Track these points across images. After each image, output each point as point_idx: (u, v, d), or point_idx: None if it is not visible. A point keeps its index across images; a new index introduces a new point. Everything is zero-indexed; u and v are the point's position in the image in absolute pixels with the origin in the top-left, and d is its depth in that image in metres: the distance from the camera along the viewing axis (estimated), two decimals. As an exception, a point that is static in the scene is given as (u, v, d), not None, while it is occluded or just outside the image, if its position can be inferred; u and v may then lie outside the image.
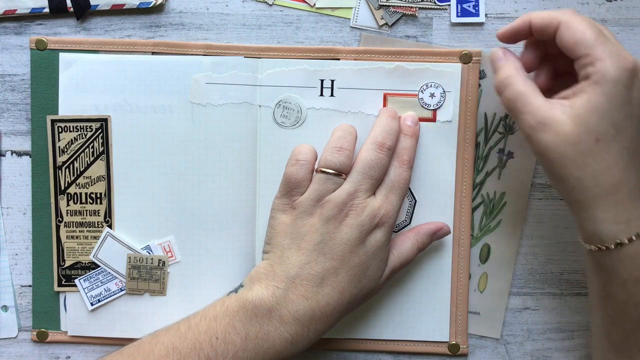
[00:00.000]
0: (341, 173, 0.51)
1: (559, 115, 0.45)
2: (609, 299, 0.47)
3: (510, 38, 0.51)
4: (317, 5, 0.57)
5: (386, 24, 0.57)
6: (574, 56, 0.46)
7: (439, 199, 0.57)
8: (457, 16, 0.56)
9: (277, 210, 0.52)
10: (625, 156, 0.44)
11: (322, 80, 0.56)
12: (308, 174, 0.52)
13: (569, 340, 0.58)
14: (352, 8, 0.57)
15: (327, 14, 0.57)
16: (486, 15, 0.57)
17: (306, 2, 0.57)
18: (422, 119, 0.56)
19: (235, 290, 0.51)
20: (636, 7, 0.57)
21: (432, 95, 0.56)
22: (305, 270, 0.49)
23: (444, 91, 0.55)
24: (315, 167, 0.52)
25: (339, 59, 0.56)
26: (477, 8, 0.56)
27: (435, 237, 0.55)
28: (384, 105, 0.56)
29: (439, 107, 0.56)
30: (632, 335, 0.47)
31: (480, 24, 0.57)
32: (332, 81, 0.56)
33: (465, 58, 0.56)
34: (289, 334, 0.48)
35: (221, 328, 0.48)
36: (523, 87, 0.47)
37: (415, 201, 0.56)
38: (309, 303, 0.49)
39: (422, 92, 0.56)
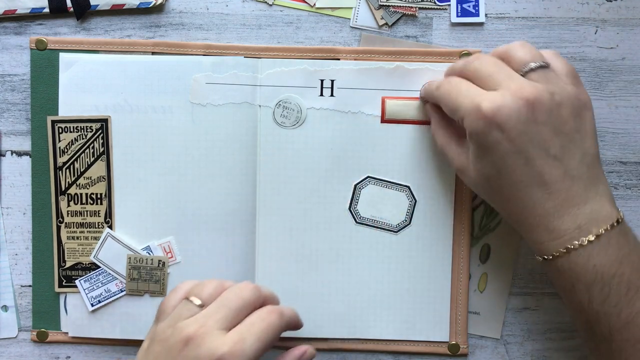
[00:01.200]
0: (203, 306, 0.47)
1: (465, 161, 0.50)
2: (564, 303, 0.50)
3: (443, 130, 0.54)
4: (317, 5, 0.57)
5: (386, 24, 0.57)
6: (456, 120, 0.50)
7: (439, 199, 0.57)
8: (457, 16, 0.56)
9: (146, 337, 0.49)
10: (520, 187, 0.47)
11: (322, 80, 0.56)
12: (178, 303, 0.49)
13: (569, 340, 0.58)
14: (352, 8, 0.57)
15: (327, 14, 0.57)
16: (486, 15, 0.57)
17: (306, 2, 0.57)
18: (422, 122, 0.56)
19: None
20: (636, 7, 0.57)
21: None
22: None
23: None
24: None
25: (339, 59, 0.56)
26: (477, 8, 0.56)
27: None
28: (382, 108, 0.56)
29: None
30: (590, 340, 0.49)
31: (480, 24, 0.57)
32: (332, 81, 0.56)
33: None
34: None
35: None
36: (442, 140, 0.53)
37: (416, 201, 0.56)
38: None
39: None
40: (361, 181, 0.56)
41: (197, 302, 0.47)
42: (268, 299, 0.50)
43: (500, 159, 0.47)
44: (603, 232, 0.46)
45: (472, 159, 0.49)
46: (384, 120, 0.56)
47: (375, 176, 0.56)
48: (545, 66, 0.48)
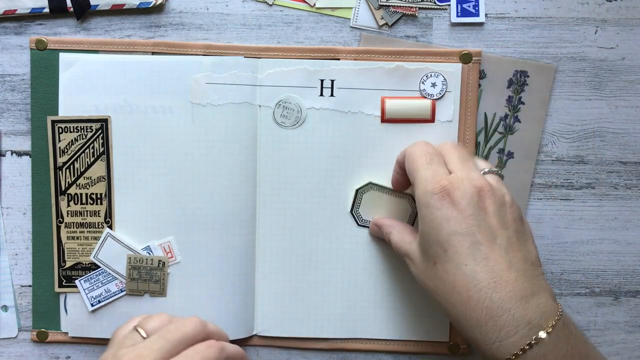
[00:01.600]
0: (148, 336, 0.48)
1: (415, 248, 0.50)
2: None
3: (401, 184, 0.54)
4: (317, 5, 0.57)
5: (386, 24, 0.56)
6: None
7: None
8: (457, 16, 0.56)
9: None
10: (467, 272, 0.45)
11: (322, 80, 0.56)
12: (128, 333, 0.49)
13: (568, 340, 0.58)
14: (352, 8, 0.57)
15: (327, 14, 0.57)
16: (486, 15, 0.57)
17: (306, 2, 0.57)
18: (421, 120, 0.56)
19: None
20: (636, 7, 0.57)
21: (433, 84, 0.56)
22: None
23: (445, 79, 0.55)
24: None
25: (339, 59, 0.56)
26: (477, 8, 0.56)
27: None
28: (382, 108, 0.56)
29: (441, 96, 0.56)
30: None
31: (481, 24, 0.57)
32: (332, 81, 0.56)
33: (465, 58, 0.56)
34: None
35: None
36: (396, 238, 0.53)
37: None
38: None
39: (422, 83, 0.56)
40: (363, 187, 0.56)
41: (142, 333, 0.48)
42: (213, 334, 0.50)
43: (447, 237, 0.46)
44: (552, 326, 0.44)
45: (420, 241, 0.48)
46: (384, 120, 0.56)
47: (377, 182, 0.56)
48: (499, 173, 0.50)
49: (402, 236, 0.52)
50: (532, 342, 0.43)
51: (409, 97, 0.56)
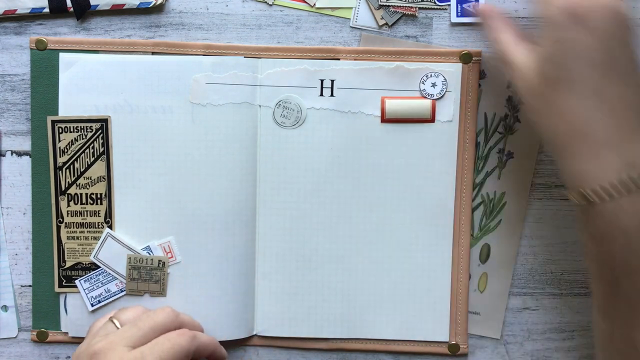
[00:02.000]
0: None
1: (526, 64, 0.46)
2: (588, 253, 0.46)
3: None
4: (317, 5, 0.57)
5: (386, 24, 0.56)
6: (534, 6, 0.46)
7: (439, 199, 0.57)
8: (457, 16, 0.56)
9: None
10: (587, 104, 0.43)
11: (322, 80, 0.56)
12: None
13: (569, 340, 0.58)
14: (352, 8, 0.57)
15: (327, 14, 0.57)
16: (486, 15, 0.57)
17: (306, 2, 0.57)
18: (421, 120, 0.56)
19: None
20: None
21: (433, 84, 0.56)
22: None
23: (445, 79, 0.56)
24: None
25: (339, 59, 0.56)
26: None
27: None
28: (382, 108, 0.56)
29: (442, 96, 0.56)
30: (609, 295, 0.45)
31: (480, 24, 0.57)
32: (332, 81, 0.56)
33: (465, 58, 0.56)
34: None
35: None
36: (505, 38, 0.48)
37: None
38: None
39: (422, 83, 0.56)
40: None
41: (117, 323, 0.50)
42: (186, 324, 0.52)
43: (577, 64, 0.43)
44: None
45: (540, 60, 0.45)
46: (384, 120, 0.56)
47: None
48: None
49: (511, 46, 0.48)
50: (627, 179, 0.42)
51: (409, 97, 0.56)
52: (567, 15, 0.43)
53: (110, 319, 0.51)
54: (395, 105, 0.56)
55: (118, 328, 0.50)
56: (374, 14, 0.57)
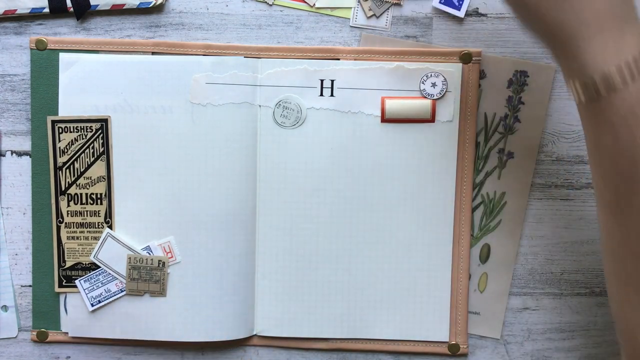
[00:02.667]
0: None
1: None
2: (600, 150, 0.43)
3: None
4: (317, 5, 0.57)
5: (374, 15, 0.56)
6: None
7: (439, 199, 0.57)
8: (440, 2, 0.56)
9: None
10: None
11: (322, 80, 0.56)
12: None
13: (569, 340, 0.58)
14: (351, 8, 0.57)
15: (327, 14, 0.57)
16: (487, 15, 0.57)
17: (306, 2, 0.57)
18: (421, 120, 0.56)
19: None
20: (636, 7, 0.57)
21: (433, 84, 0.56)
22: None
23: (445, 79, 0.56)
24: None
25: (339, 59, 0.56)
26: (461, 2, 0.56)
27: None
28: (382, 108, 0.55)
29: (441, 96, 0.56)
30: (623, 191, 0.43)
31: (482, 22, 0.57)
32: (332, 81, 0.56)
33: (465, 58, 0.56)
34: None
35: None
36: None
37: None
38: None
39: (422, 83, 0.56)
40: None
41: None
42: None
43: None
44: None
45: None
46: (384, 120, 0.56)
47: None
48: None
49: None
50: (622, 64, 0.40)
51: (409, 97, 0.56)
52: None
53: None
54: (395, 105, 0.56)
55: None
56: (363, 7, 0.56)
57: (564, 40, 0.42)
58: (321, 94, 0.56)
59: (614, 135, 0.42)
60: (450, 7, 0.56)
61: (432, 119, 0.56)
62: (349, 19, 0.57)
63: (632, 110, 0.41)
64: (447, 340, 0.58)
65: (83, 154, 0.56)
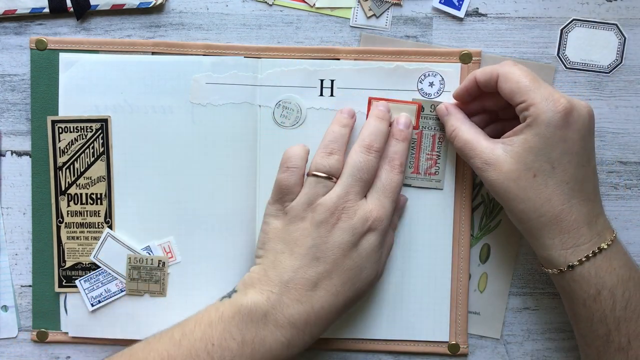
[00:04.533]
0: (332, 176, 0.51)
1: (501, 154, 0.49)
2: (577, 318, 0.51)
3: (464, 96, 0.54)
4: (317, 5, 0.57)
5: (374, 15, 0.56)
6: (513, 103, 0.50)
7: (439, 199, 0.57)
8: (440, 2, 0.56)
9: (269, 215, 0.52)
10: (565, 189, 0.48)
11: (322, 80, 0.56)
12: (299, 179, 0.52)
13: (569, 340, 0.58)
14: (351, 8, 0.57)
15: (327, 14, 0.57)
16: (487, 15, 0.57)
17: (306, 2, 0.57)
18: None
19: (229, 296, 0.51)
20: (636, 7, 0.57)
21: (431, 84, 0.56)
22: (299, 275, 0.49)
23: (443, 79, 0.55)
24: (307, 171, 0.52)
25: (338, 59, 0.56)
26: (460, 2, 0.56)
27: (400, 212, 0.56)
28: (368, 108, 0.55)
29: (439, 95, 0.56)
30: (603, 353, 0.49)
31: (482, 22, 0.57)
32: (332, 81, 0.56)
33: (465, 58, 0.56)
34: (285, 338, 0.48)
35: (217, 334, 0.48)
36: (467, 135, 0.51)
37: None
38: (303, 307, 0.49)
39: (420, 82, 0.56)
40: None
41: (324, 175, 0.51)
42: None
43: (563, 154, 0.48)
44: (613, 238, 0.49)
45: (521, 152, 0.48)
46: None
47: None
48: None
49: (476, 138, 0.51)
50: (604, 246, 0.49)
51: (398, 101, 0.56)
52: (563, 117, 0.47)
53: (315, 174, 0.51)
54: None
55: (330, 180, 0.51)
56: (363, 7, 0.56)
57: (529, 232, 0.50)
58: (321, 94, 0.56)
59: (583, 304, 0.49)
60: (450, 7, 0.56)
61: (415, 126, 0.56)
62: (349, 19, 0.57)
63: (591, 282, 0.48)
64: (447, 340, 0.58)
65: (83, 154, 0.56)
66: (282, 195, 0.52)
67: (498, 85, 0.50)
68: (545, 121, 0.47)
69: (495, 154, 0.49)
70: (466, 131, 0.52)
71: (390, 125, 0.54)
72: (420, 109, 0.56)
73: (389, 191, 0.52)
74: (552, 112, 0.47)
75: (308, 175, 0.51)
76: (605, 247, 0.48)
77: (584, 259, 0.48)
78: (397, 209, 0.55)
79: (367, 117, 0.55)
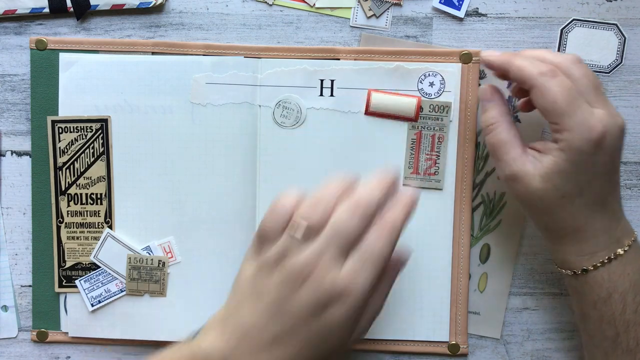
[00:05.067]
0: (312, 231, 0.44)
1: (530, 170, 0.48)
2: (585, 318, 0.51)
3: (493, 68, 0.51)
4: (317, 5, 0.57)
5: (374, 15, 0.56)
6: (546, 119, 0.48)
7: (439, 199, 0.57)
8: (440, 2, 0.56)
9: (245, 259, 0.48)
10: (589, 209, 0.48)
11: (322, 80, 0.56)
12: (281, 227, 0.46)
13: (569, 340, 0.58)
14: (351, 8, 0.57)
15: (327, 14, 0.57)
16: (487, 15, 0.57)
17: (306, 2, 0.57)
18: (404, 118, 0.56)
19: (193, 336, 0.48)
20: (636, 7, 0.57)
21: (431, 84, 0.56)
22: (256, 331, 0.45)
23: (443, 79, 0.56)
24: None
25: (338, 59, 0.56)
26: (460, 2, 0.56)
27: (397, 271, 0.50)
28: (368, 100, 0.55)
29: (439, 95, 0.56)
30: (610, 354, 0.49)
31: (482, 22, 0.57)
32: (332, 81, 0.56)
33: (465, 58, 0.56)
34: None
35: None
36: (505, 135, 0.50)
37: None
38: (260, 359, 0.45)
39: (420, 82, 0.56)
40: None
41: (303, 231, 0.45)
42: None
43: (591, 179, 0.48)
44: (631, 243, 0.49)
45: (550, 173, 0.47)
46: (367, 112, 0.56)
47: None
48: None
49: (511, 142, 0.49)
50: (619, 252, 0.49)
51: (396, 93, 0.56)
52: (595, 145, 0.47)
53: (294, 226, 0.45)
54: (380, 99, 0.55)
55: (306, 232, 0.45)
56: (363, 7, 0.56)
57: (548, 238, 0.51)
58: (321, 94, 0.56)
59: (593, 306, 0.49)
60: (450, 7, 0.56)
61: (414, 118, 0.56)
62: (349, 19, 0.57)
63: (608, 287, 0.49)
64: (447, 340, 0.58)
65: (83, 154, 0.56)
66: (261, 242, 0.46)
67: (531, 97, 0.48)
68: (578, 149, 0.46)
69: (524, 169, 0.48)
70: (505, 130, 0.50)
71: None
72: (420, 102, 0.55)
73: (374, 259, 0.44)
74: (586, 140, 0.46)
75: (290, 223, 0.45)
76: (622, 252, 0.49)
77: (599, 265, 0.49)
78: (388, 276, 0.48)
79: (365, 112, 0.55)
